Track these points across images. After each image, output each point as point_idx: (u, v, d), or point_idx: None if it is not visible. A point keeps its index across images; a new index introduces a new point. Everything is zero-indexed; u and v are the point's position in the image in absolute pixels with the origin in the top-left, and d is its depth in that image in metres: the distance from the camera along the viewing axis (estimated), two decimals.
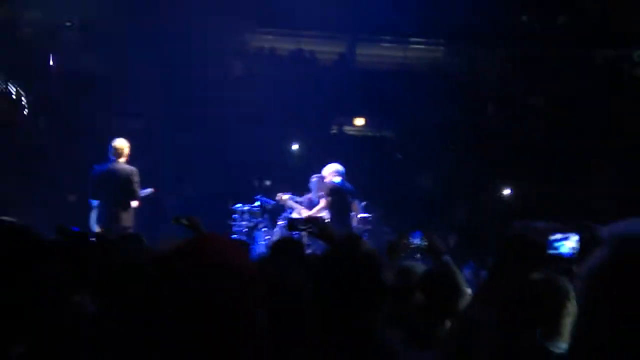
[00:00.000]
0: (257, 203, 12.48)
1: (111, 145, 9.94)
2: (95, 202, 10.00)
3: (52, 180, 13.24)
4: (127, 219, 9.89)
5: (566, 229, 2.58)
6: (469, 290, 3.75)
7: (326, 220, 4.67)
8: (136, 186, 9.92)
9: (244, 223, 12.27)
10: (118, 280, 2.70)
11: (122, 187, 9.86)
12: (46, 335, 1.96)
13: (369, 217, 11.94)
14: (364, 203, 11.96)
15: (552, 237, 2.57)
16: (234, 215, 12.38)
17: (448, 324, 3.60)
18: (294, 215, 11.65)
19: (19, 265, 1.88)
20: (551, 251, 2.59)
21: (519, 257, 2.61)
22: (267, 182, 14.66)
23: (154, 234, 9.94)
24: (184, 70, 15.12)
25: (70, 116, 14.50)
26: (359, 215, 11.57)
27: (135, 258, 2.92)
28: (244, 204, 12.46)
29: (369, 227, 11.91)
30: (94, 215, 10.08)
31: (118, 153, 9.90)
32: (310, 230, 4.41)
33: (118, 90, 14.20)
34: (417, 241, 4.12)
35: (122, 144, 9.96)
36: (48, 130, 15.18)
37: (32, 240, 1.97)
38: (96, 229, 9.76)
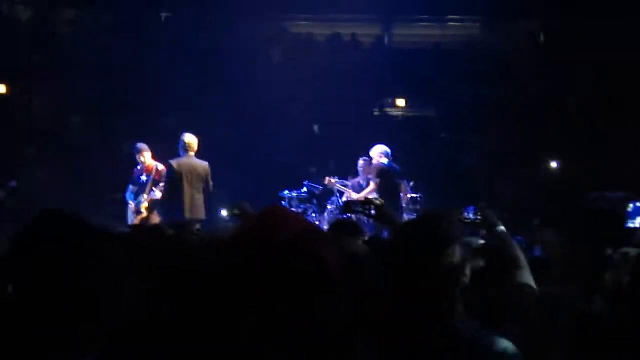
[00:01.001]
0: (305, 189, 12.56)
1: (183, 140, 10.13)
2: (152, 194, 10.34)
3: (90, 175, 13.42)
4: (203, 212, 10.19)
5: None
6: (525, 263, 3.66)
7: (382, 202, 4.60)
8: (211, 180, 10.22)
9: (292, 209, 12.37)
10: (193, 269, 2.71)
11: (203, 180, 10.13)
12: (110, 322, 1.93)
13: (417, 197, 11.98)
14: (411, 183, 12.01)
15: (630, 209, 2.46)
16: (282, 202, 12.37)
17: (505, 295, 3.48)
18: (344, 198, 11.79)
19: (78, 252, 1.89)
20: (630, 224, 2.42)
21: (598, 231, 2.41)
22: (313, 169, 14.75)
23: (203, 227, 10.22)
24: (222, 60, 15.29)
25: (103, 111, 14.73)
26: (407, 196, 11.64)
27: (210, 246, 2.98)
28: (291, 190, 12.55)
29: (418, 207, 11.94)
30: (129, 211, 10.46)
31: (191, 147, 10.12)
32: (368, 212, 4.34)
33: (151, 82, 14.44)
34: (471, 215, 4.09)
35: (193, 138, 10.17)
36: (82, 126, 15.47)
37: (89, 228, 1.96)
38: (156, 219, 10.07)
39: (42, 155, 14.31)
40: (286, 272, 1.57)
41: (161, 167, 10.61)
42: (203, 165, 10.22)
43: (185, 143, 10.10)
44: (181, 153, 10.14)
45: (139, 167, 10.79)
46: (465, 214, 4.15)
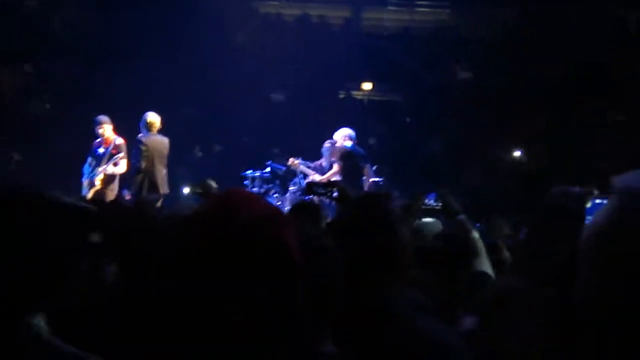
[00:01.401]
0: (268, 169, 12.49)
1: (145, 119, 10.09)
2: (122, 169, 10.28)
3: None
4: (165, 187, 10.24)
5: (603, 195, 2.43)
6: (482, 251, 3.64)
7: (343, 184, 4.56)
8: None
9: (255, 189, 12.19)
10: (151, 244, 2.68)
11: (166, 156, 10.22)
12: (69, 304, 1.89)
13: (380, 181, 11.90)
14: (375, 167, 11.96)
15: (589, 205, 2.50)
16: (244, 182, 12.37)
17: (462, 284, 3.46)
18: (306, 180, 11.73)
19: (37, 232, 1.83)
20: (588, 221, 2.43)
21: (557, 227, 2.44)
22: (277, 149, 14.70)
23: (165, 202, 10.18)
24: (189, 39, 15.12)
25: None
26: (370, 180, 11.64)
27: (168, 221, 2.95)
28: (254, 170, 12.47)
29: (381, 191, 11.97)
30: (84, 185, 10.38)
31: (153, 126, 10.10)
32: (330, 194, 4.35)
33: (118, 61, 14.26)
34: (432, 202, 4.10)
35: (156, 117, 10.15)
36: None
37: (52, 205, 1.89)
38: (127, 195, 10.01)
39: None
40: (246, 254, 1.54)
41: (119, 140, 10.46)
42: (165, 141, 10.26)
43: (147, 122, 10.05)
44: (143, 131, 10.05)
45: (97, 140, 10.60)
46: (426, 200, 4.14)
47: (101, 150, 10.44)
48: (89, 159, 10.58)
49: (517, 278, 2.31)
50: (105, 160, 10.35)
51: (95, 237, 2.14)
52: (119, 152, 10.36)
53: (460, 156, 14.78)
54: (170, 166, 10.48)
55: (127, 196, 9.90)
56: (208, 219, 1.61)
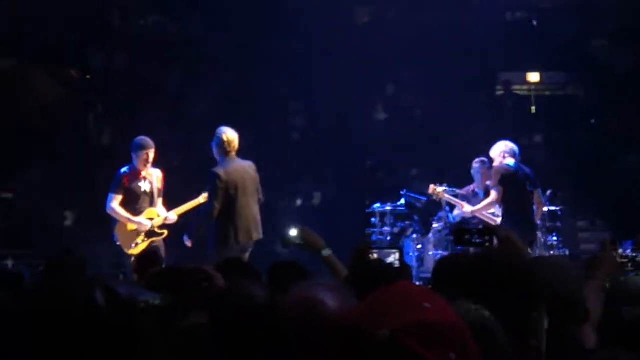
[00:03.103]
0: (403, 201, 12.53)
1: (220, 137, 9.97)
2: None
3: None
4: (255, 233, 10.21)
5: None
6: None
7: (507, 230, 4.52)
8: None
9: (386, 229, 12.34)
10: None
11: (256, 189, 10.20)
12: None
13: (557, 210, 11.87)
14: (549, 192, 11.87)
15: None
16: (372, 219, 12.49)
17: None
18: (456, 212, 11.67)
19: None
20: None
21: None
22: (414, 172, 14.70)
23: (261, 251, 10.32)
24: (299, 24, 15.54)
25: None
26: (542, 209, 11.51)
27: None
28: (384, 202, 12.52)
29: (558, 224, 11.85)
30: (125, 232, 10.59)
31: (232, 147, 10.00)
32: (489, 244, 4.33)
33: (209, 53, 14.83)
34: (628, 251, 4.13)
35: (234, 135, 10.03)
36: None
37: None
38: (187, 242, 10.20)
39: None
40: None
41: (160, 173, 10.77)
42: (250, 168, 10.22)
43: (223, 142, 10.04)
44: (218, 156, 10.07)
45: (131, 169, 10.63)
46: (621, 249, 4.14)
47: (143, 184, 10.57)
48: (114, 196, 10.60)
49: None
50: (156, 198, 10.64)
51: None
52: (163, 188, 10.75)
53: None
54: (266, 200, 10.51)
55: (188, 243, 10.04)
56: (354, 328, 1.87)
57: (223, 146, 9.92)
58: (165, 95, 15.27)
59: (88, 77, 15.96)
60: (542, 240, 11.32)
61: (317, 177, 15.04)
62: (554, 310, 2.93)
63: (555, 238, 11.80)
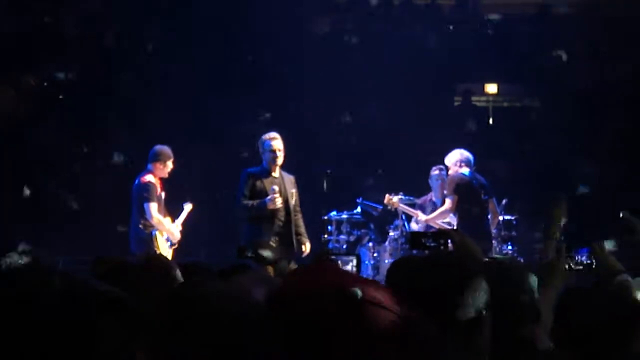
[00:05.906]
0: (359, 209, 12.52)
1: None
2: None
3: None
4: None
5: None
6: None
7: (462, 234, 4.58)
8: None
9: (342, 237, 12.34)
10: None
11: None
12: None
13: (512, 219, 11.89)
14: (504, 201, 11.90)
15: None
16: (328, 227, 12.47)
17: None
18: (412, 225, 11.61)
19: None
20: None
21: None
22: (369, 181, 14.68)
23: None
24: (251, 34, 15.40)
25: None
26: (497, 218, 11.48)
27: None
28: (340, 211, 12.52)
29: (514, 233, 11.85)
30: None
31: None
32: (443, 247, 4.34)
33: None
34: (584, 258, 4.10)
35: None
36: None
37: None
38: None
39: None
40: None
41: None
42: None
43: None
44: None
45: (148, 178, 10.40)
46: (577, 255, 4.15)
47: (160, 193, 10.40)
48: (154, 204, 10.35)
49: None
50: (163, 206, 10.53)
51: None
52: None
53: (627, 185, 14.17)
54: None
55: None
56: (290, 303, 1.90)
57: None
58: (123, 103, 15.15)
59: (45, 84, 15.85)
60: (497, 249, 11.37)
61: None
62: (504, 310, 2.85)
63: (510, 247, 11.85)
